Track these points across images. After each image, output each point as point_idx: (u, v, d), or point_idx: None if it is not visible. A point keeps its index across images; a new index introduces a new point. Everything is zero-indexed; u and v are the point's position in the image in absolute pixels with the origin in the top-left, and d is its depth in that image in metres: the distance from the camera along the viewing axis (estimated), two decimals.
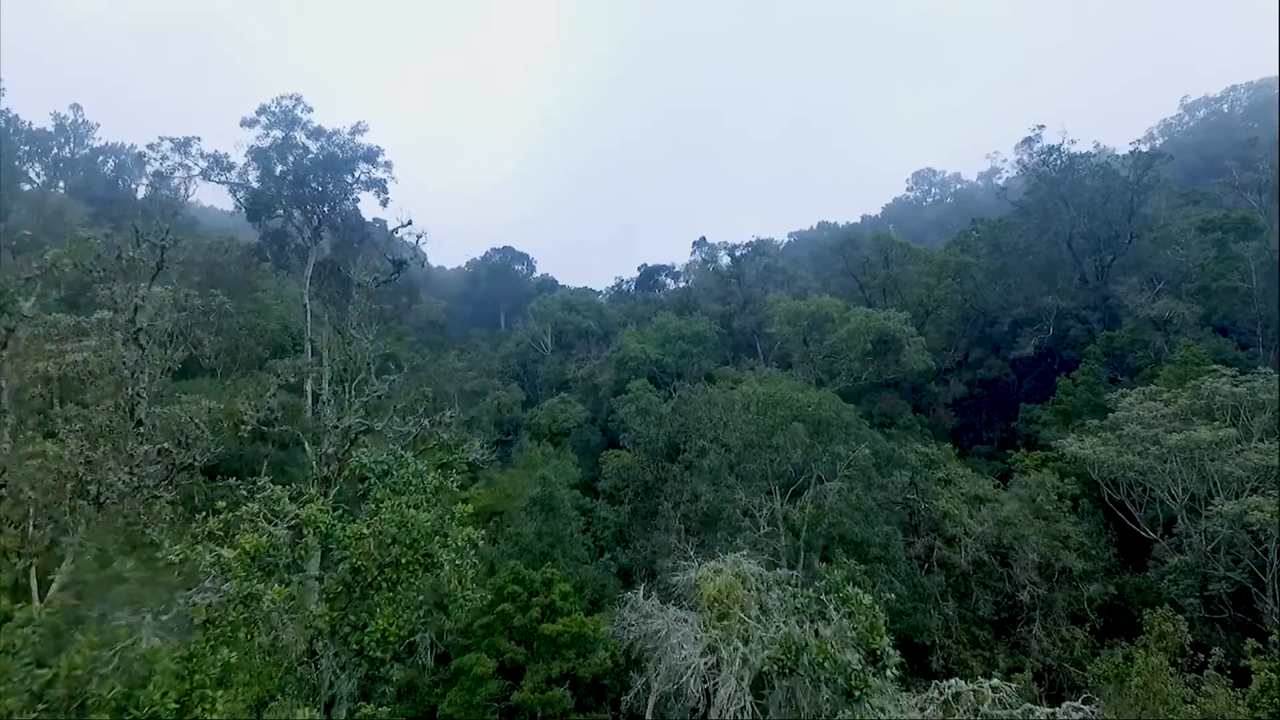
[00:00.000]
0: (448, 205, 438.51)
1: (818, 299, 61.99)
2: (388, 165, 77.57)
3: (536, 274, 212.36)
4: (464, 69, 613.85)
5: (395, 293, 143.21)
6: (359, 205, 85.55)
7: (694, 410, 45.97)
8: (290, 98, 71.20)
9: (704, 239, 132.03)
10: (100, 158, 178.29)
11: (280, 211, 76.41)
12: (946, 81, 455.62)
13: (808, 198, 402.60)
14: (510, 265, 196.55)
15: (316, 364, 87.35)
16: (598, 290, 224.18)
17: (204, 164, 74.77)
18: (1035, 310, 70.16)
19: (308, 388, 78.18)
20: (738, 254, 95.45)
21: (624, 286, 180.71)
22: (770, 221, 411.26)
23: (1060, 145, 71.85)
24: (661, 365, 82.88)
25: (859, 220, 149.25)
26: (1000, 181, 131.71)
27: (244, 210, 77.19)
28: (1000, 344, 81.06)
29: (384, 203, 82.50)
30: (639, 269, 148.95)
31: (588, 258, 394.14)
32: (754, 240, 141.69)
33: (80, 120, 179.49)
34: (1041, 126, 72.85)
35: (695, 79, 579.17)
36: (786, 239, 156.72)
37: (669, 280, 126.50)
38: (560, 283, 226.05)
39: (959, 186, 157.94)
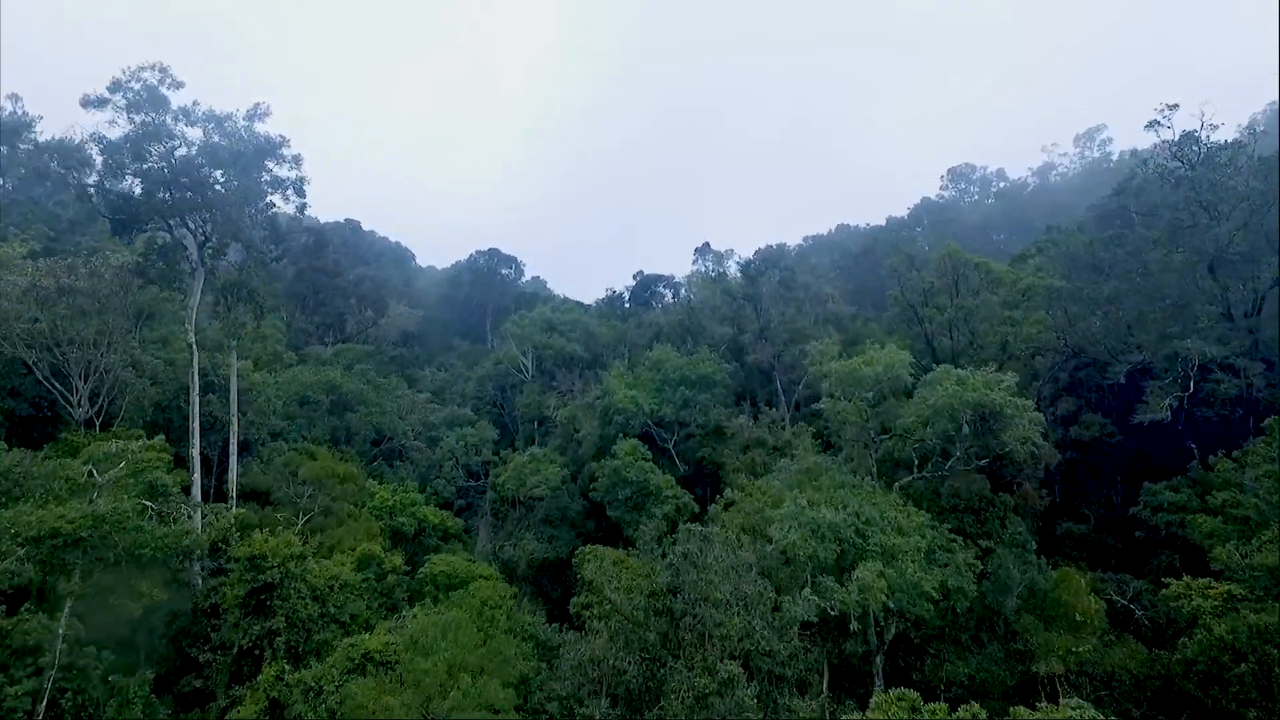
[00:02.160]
0: (447, 205, 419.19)
1: (884, 354, 41.87)
2: (296, 161, 57.05)
3: (525, 277, 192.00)
4: (464, 69, 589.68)
5: (359, 305, 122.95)
6: (275, 212, 64.78)
7: (704, 587, 26.23)
8: (153, 68, 50.53)
9: (707, 245, 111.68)
10: (45, 154, 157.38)
11: (154, 222, 55.90)
12: (947, 81, 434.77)
13: (815, 197, 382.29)
14: (496, 269, 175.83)
15: (223, 413, 67.32)
16: (587, 304, 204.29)
17: (50, 159, 54.30)
18: (1163, 355, 49.99)
19: (194, 453, 57.96)
20: (752, 270, 75.09)
21: (617, 298, 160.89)
22: (774, 223, 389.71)
23: (1197, 132, 51.14)
24: (658, 416, 62.68)
25: (884, 223, 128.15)
26: (1055, 176, 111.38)
27: (108, 221, 56.76)
28: (1092, 389, 60.92)
29: (300, 209, 61.99)
30: (634, 277, 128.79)
31: (587, 258, 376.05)
32: (767, 247, 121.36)
33: (20, 113, 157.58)
34: (1173, 106, 51.84)
35: (695, 79, 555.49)
36: (801, 243, 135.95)
37: (667, 292, 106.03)
38: (552, 287, 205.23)
39: (1002, 185, 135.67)
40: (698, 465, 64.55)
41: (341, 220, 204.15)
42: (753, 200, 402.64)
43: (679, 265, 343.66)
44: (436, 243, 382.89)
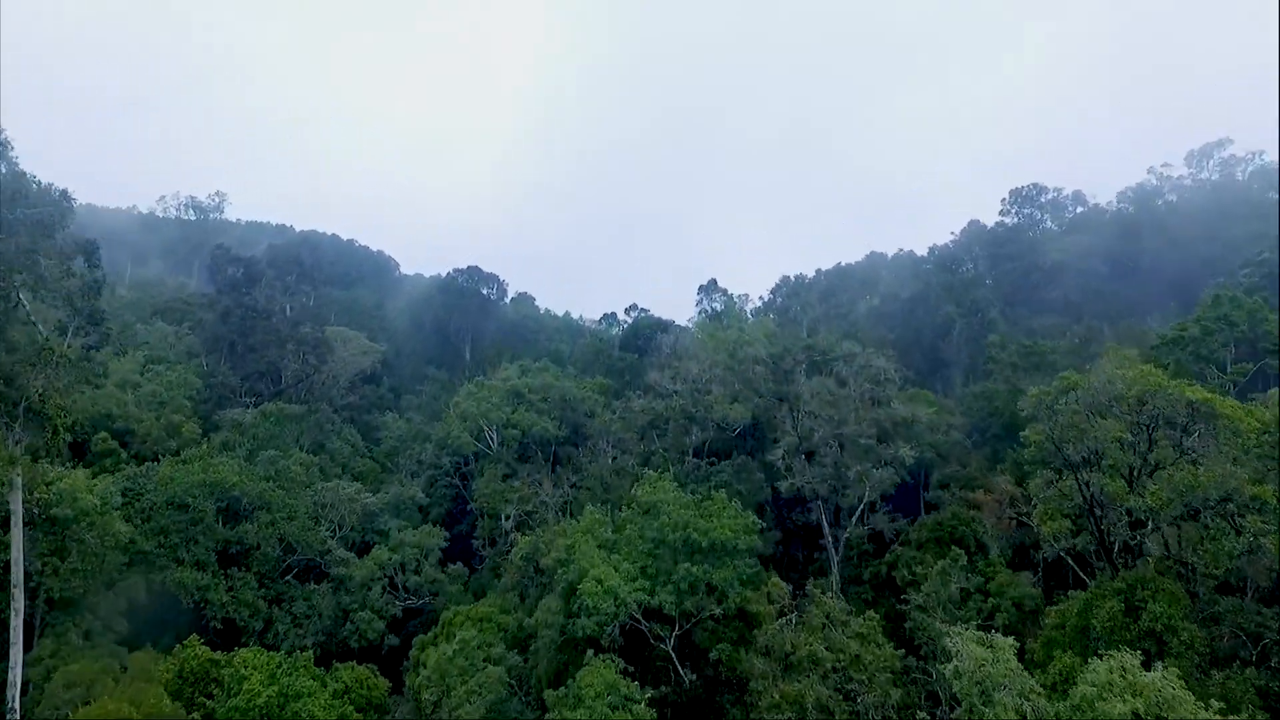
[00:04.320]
0: (444, 206, 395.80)
1: (1134, 695, 19.43)
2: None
3: (512, 294, 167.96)
4: (463, 69, 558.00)
5: (299, 351, 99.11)
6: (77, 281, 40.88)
7: None
8: None
9: (713, 283, 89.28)
10: None
11: None
12: (949, 81, 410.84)
13: (816, 197, 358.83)
14: (476, 288, 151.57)
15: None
16: (578, 319, 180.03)
17: None
18: None
19: None
20: (786, 362, 51.51)
21: (605, 345, 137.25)
22: (775, 222, 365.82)
23: None
24: (650, 605, 39.44)
25: (925, 253, 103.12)
26: (1163, 203, 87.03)
27: None
28: None
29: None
30: (628, 312, 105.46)
31: (587, 257, 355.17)
32: (784, 279, 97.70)
33: None
34: None
35: (695, 78, 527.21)
36: (825, 270, 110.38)
37: (667, 337, 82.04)
38: (541, 303, 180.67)
39: (1080, 210, 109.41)
40: (711, 670, 41.21)
41: (304, 232, 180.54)
42: (754, 199, 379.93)
43: (680, 278, 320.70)
44: (436, 241, 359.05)
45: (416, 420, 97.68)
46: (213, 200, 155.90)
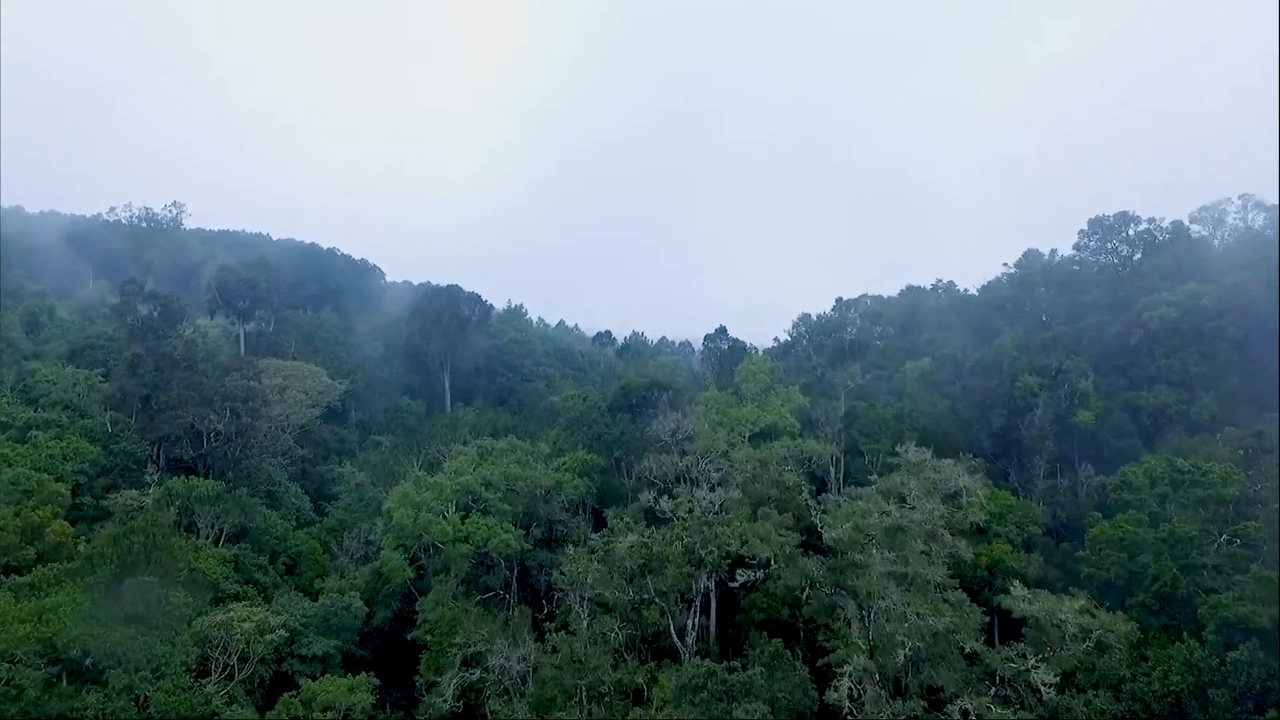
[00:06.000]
0: (440, 209, 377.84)
1: None
2: None
3: (501, 307, 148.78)
4: (461, 70, 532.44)
5: (227, 407, 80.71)
6: None
7: None
8: None
9: (723, 330, 71.99)
10: None
11: None
12: (953, 82, 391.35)
13: (816, 196, 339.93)
14: (455, 309, 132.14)
15: None
16: (572, 327, 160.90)
17: None
18: None
19: None
20: (854, 549, 32.54)
21: (604, 348, 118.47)
22: (775, 219, 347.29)
23: None
24: None
25: (975, 291, 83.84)
26: None
27: None
28: None
29: None
30: (620, 354, 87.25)
31: (585, 255, 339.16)
32: (804, 318, 78.85)
33: None
34: None
35: (697, 72, 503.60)
36: (841, 301, 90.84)
37: (667, 419, 63.05)
38: (532, 312, 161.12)
39: (1181, 244, 79.28)
40: None
41: (280, 240, 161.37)
42: (756, 201, 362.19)
43: (681, 279, 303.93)
44: (427, 244, 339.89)
45: (371, 491, 78.90)
46: (169, 211, 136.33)
